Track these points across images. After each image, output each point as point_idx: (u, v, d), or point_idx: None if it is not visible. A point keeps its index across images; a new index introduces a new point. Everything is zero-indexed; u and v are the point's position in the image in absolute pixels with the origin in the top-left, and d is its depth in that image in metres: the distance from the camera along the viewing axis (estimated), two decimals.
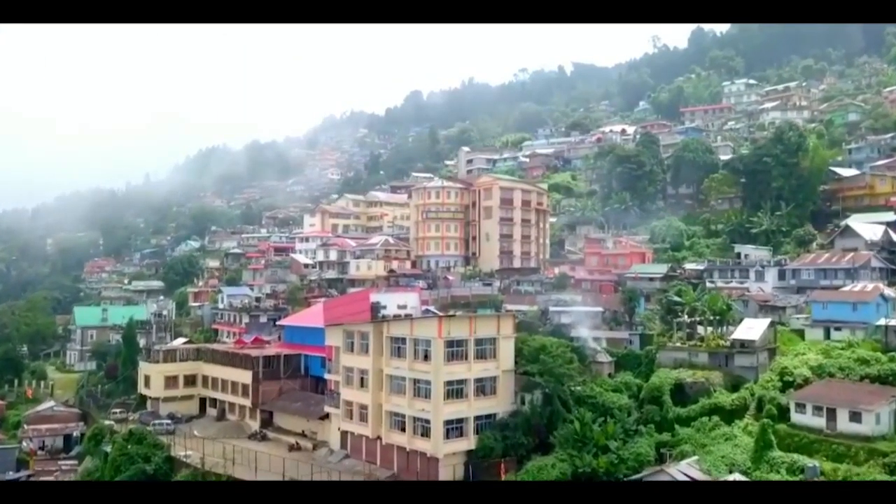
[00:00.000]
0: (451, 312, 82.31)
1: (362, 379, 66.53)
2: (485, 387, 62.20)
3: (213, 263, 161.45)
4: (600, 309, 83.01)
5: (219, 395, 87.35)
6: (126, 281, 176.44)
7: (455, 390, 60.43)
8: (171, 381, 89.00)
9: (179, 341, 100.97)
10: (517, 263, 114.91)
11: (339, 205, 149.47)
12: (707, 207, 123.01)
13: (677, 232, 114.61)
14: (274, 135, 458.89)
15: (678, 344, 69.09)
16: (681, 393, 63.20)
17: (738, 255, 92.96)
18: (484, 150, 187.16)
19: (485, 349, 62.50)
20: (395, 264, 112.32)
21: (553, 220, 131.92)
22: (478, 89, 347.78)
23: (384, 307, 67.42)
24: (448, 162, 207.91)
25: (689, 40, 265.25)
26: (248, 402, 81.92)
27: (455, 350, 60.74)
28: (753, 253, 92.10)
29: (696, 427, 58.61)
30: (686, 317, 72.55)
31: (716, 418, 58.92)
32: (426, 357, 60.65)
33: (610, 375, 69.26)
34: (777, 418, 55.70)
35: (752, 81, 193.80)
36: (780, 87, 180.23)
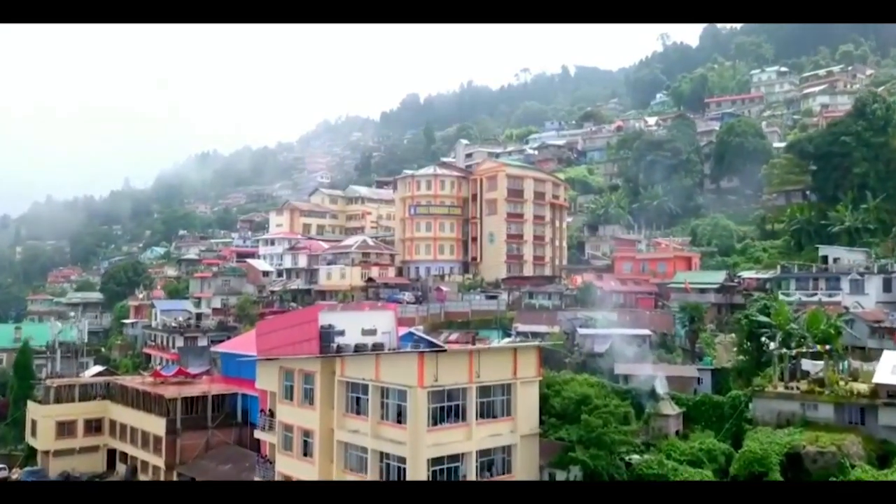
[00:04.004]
0: (443, 336, 59.73)
1: (305, 444, 43.72)
2: (494, 463, 39.57)
3: (172, 272, 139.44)
4: (647, 332, 61.10)
5: (128, 449, 64.43)
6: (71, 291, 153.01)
7: (447, 471, 37.67)
8: (66, 428, 65.91)
9: (93, 371, 78.23)
10: (528, 271, 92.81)
11: (313, 201, 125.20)
12: (758, 203, 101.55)
13: (726, 232, 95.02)
14: (267, 140, 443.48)
15: (781, 389, 46.39)
16: (796, 467, 41.16)
17: (825, 258, 70.44)
18: (485, 144, 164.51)
19: (494, 402, 39.83)
20: (374, 271, 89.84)
21: (569, 219, 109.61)
22: (477, 92, 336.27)
23: (340, 333, 44.30)
24: (445, 159, 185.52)
25: (702, 37, 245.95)
26: (160, 462, 58.98)
27: (446, 405, 38.01)
28: (846, 256, 69.63)
29: None
30: (779, 345, 50.10)
31: None
32: (400, 416, 37.91)
33: (678, 434, 46.61)
34: None
35: (783, 69, 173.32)
36: (822, 72, 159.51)
